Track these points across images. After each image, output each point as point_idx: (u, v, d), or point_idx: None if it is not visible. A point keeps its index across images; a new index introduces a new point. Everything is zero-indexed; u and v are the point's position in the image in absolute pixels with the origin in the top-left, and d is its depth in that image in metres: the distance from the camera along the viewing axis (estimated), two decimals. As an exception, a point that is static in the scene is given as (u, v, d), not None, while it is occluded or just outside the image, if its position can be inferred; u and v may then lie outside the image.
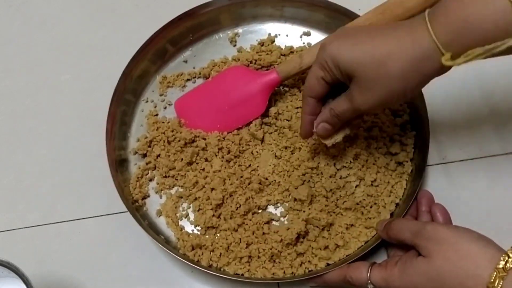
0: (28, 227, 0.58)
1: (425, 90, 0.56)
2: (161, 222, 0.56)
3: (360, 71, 0.41)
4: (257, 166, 0.57)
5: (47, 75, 0.67)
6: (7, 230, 0.58)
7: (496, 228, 0.54)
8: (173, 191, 0.57)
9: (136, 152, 0.59)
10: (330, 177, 0.55)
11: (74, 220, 0.58)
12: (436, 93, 0.61)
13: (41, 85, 0.66)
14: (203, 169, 0.57)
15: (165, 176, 0.57)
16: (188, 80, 0.64)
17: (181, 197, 0.56)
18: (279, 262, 0.52)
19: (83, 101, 0.64)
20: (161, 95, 0.63)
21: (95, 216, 0.58)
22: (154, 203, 0.57)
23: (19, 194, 0.60)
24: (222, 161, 0.56)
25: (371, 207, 0.54)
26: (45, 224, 0.58)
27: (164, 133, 0.58)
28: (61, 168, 0.60)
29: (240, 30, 0.66)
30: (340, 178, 0.55)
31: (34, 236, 0.57)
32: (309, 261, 0.52)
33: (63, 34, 0.70)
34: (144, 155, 0.59)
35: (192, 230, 0.55)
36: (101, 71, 0.66)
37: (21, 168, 0.61)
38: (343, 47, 0.42)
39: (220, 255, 0.52)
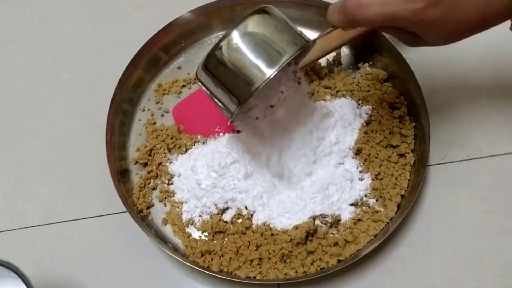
0: (28, 227, 0.58)
1: (425, 90, 0.56)
2: (168, 230, 0.56)
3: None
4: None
5: (47, 75, 0.67)
6: (7, 230, 0.58)
7: (496, 228, 0.54)
8: (176, 198, 0.57)
9: (137, 162, 0.59)
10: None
11: (74, 220, 0.58)
12: (436, 93, 0.61)
13: (41, 85, 0.66)
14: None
15: (168, 184, 0.57)
16: (183, 86, 0.64)
17: (186, 203, 0.56)
18: (290, 262, 0.52)
19: (83, 101, 0.65)
20: (157, 103, 0.63)
21: (95, 216, 0.58)
22: (159, 212, 0.57)
23: (19, 194, 0.60)
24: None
25: (377, 200, 0.55)
26: (45, 224, 0.58)
27: (164, 141, 0.59)
28: (61, 168, 0.61)
29: None
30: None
31: (34, 236, 0.57)
32: (320, 259, 0.52)
33: (63, 34, 0.70)
34: (145, 164, 0.59)
35: (200, 236, 0.55)
36: (102, 71, 0.66)
37: (21, 168, 0.61)
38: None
39: (230, 260, 0.52)
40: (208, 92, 0.48)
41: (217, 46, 0.45)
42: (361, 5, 0.41)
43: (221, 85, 0.46)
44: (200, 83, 0.47)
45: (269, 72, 0.44)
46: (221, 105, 0.47)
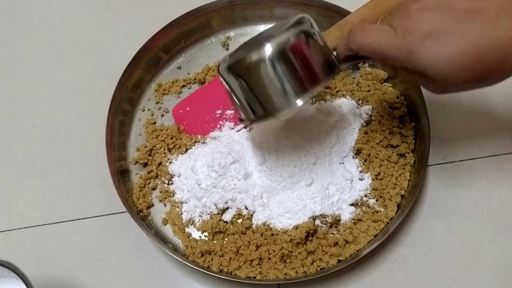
0: (28, 227, 0.58)
1: (425, 90, 0.56)
2: (168, 230, 0.56)
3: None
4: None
5: (47, 75, 0.67)
6: (7, 230, 0.58)
7: (496, 228, 0.54)
8: (176, 198, 0.57)
9: (137, 162, 0.59)
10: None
11: (74, 220, 0.58)
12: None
13: (41, 85, 0.66)
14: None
15: (168, 184, 0.57)
16: (183, 86, 0.64)
17: (186, 203, 0.56)
18: (290, 262, 0.52)
19: (83, 101, 0.65)
20: (157, 103, 0.63)
21: (95, 216, 0.58)
22: (159, 212, 0.57)
23: (19, 194, 0.60)
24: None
25: (377, 200, 0.55)
26: (45, 224, 0.58)
27: (164, 140, 0.59)
28: (61, 168, 0.61)
29: (232, 33, 0.66)
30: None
31: (34, 236, 0.57)
32: (320, 259, 0.52)
33: (63, 34, 0.70)
34: (145, 164, 0.59)
35: (200, 236, 0.55)
36: (101, 71, 0.66)
37: (21, 168, 0.61)
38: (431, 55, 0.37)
39: (230, 260, 0.52)
40: (230, 92, 0.46)
41: (250, 51, 0.43)
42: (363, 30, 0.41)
43: (249, 91, 0.44)
44: (222, 80, 0.46)
45: (300, 101, 0.43)
46: (241, 107, 0.46)
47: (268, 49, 0.42)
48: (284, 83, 0.43)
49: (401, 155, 0.56)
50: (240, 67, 0.44)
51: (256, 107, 0.45)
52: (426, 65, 0.37)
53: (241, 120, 0.48)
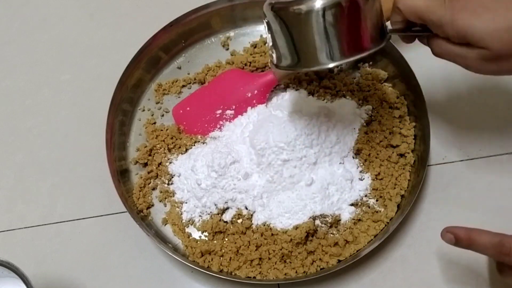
0: (28, 227, 0.58)
1: (425, 90, 0.56)
2: (168, 230, 0.56)
3: (495, 45, 0.39)
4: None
5: (47, 75, 0.67)
6: (7, 230, 0.58)
7: (496, 228, 0.54)
8: (176, 198, 0.57)
9: (137, 162, 0.59)
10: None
11: (74, 220, 0.58)
12: (436, 93, 0.61)
13: (41, 85, 0.66)
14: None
15: (168, 184, 0.57)
16: (183, 86, 0.64)
17: (186, 203, 0.56)
18: (290, 262, 0.52)
19: (83, 101, 0.65)
20: (157, 103, 0.63)
21: (95, 216, 0.58)
22: (159, 212, 0.57)
23: (19, 194, 0.60)
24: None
25: (377, 200, 0.55)
26: (45, 224, 0.58)
27: (164, 140, 0.59)
28: (61, 168, 0.61)
29: (232, 33, 0.66)
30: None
31: (34, 236, 0.57)
32: (320, 259, 0.52)
33: (63, 34, 0.70)
34: (145, 164, 0.59)
35: (200, 236, 0.55)
36: (102, 71, 0.66)
37: (21, 168, 0.61)
38: (477, 21, 0.39)
39: (230, 260, 0.52)
40: (268, 30, 0.44)
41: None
42: None
43: (289, 38, 0.42)
44: (264, 16, 0.44)
45: (336, 63, 0.42)
46: (275, 50, 0.45)
47: (320, 1, 0.40)
48: (328, 42, 0.41)
49: (401, 155, 0.56)
50: (286, 14, 0.42)
51: (291, 55, 0.43)
52: (468, 28, 0.39)
53: (272, 63, 0.47)
